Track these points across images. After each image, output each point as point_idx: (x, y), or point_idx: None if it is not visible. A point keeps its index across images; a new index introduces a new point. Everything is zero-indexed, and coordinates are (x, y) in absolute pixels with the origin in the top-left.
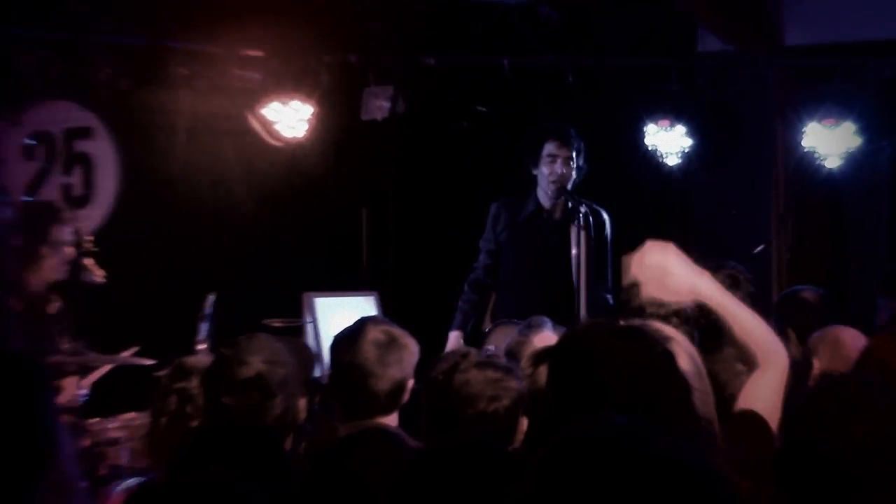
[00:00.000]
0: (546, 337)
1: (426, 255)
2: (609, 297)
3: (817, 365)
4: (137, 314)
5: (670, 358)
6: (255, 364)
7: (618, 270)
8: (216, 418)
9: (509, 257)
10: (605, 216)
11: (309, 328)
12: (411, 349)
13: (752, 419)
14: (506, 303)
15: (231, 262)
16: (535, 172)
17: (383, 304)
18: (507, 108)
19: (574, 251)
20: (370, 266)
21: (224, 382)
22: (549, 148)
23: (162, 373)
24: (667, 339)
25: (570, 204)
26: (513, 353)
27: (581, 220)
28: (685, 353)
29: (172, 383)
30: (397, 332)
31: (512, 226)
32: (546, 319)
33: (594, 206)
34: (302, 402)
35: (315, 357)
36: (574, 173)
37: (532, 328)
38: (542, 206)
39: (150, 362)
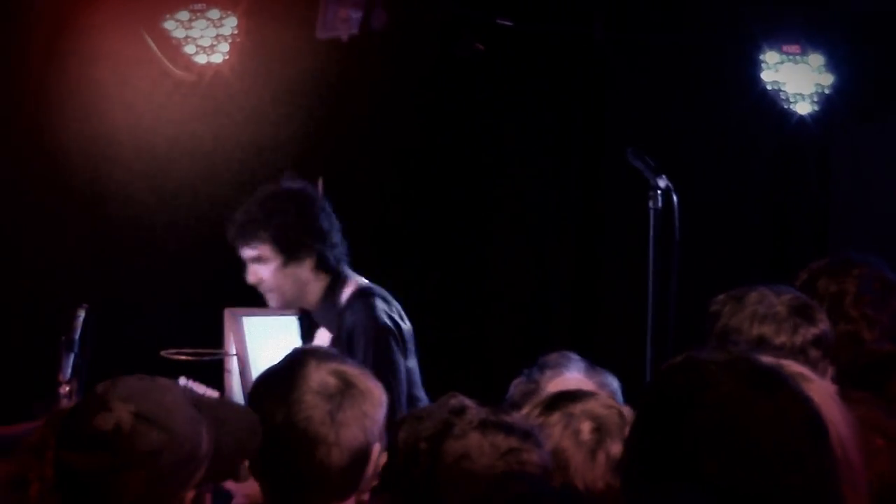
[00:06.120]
0: (566, 383)
1: (415, 249)
2: None
3: None
4: None
5: (821, 424)
6: (120, 413)
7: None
8: (58, 486)
9: None
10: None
11: (233, 364)
12: (376, 397)
13: None
14: None
15: (114, 262)
16: None
17: None
18: (547, 23)
19: None
20: None
21: (71, 430)
22: None
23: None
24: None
25: None
26: (517, 408)
27: None
28: (839, 415)
29: (44, 450)
30: (353, 371)
31: None
32: (573, 357)
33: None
34: (188, 497)
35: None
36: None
37: (545, 370)
38: None
39: None
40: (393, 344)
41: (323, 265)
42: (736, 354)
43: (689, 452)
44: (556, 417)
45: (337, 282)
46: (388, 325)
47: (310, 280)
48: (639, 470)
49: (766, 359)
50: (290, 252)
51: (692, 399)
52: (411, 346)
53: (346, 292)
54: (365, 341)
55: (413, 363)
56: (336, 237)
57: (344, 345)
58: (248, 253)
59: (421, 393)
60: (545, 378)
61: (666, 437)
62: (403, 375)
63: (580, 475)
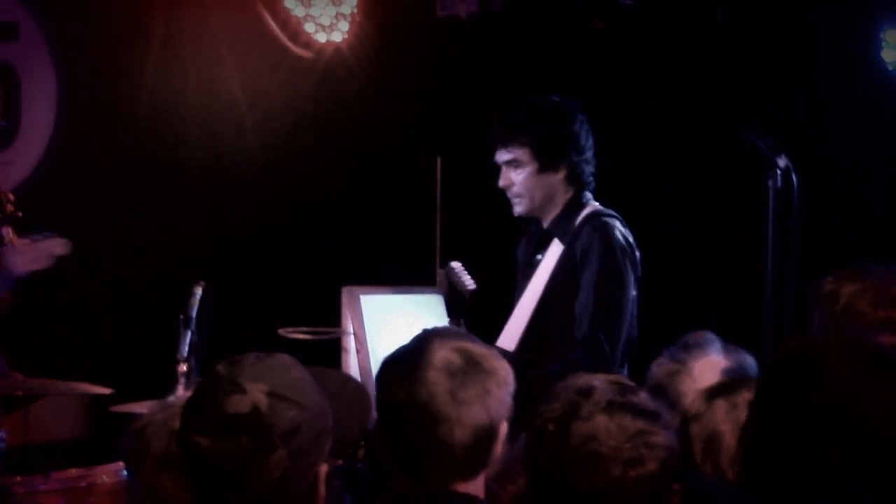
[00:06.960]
0: (712, 364)
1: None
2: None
3: None
4: (85, 316)
5: None
6: (255, 394)
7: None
8: (186, 472)
9: None
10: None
11: (350, 342)
12: (501, 376)
13: None
14: None
15: (231, 240)
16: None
17: (467, 304)
18: (668, 2)
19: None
20: (448, 246)
21: (203, 415)
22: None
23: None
24: None
25: None
26: (662, 388)
27: None
28: None
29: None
30: (479, 350)
31: None
32: (712, 337)
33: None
34: (322, 470)
35: (367, 399)
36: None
37: (690, 349)
38: None
39: (104, 391)
40: (627, 264)
41: (574, 178)
42: (854, 338)
43: (809, 436)
44: (719, 404)
45: (580, 198)
46: (624, 246)
47: (558, 191)
48: (759, 453)
49: (888, 339)
50: (547, 159)
51: (812, 383)
52: (640, 273)
53: (585, 211)
54: (598, 259)
55: (636, 293)
56: (590, 154)
57: (576, 262)
58: (504, 156)
59: (634, 331)
60: (691, 357)
61: (786, 420)
62: (632, 300)
63: (729, 462)
